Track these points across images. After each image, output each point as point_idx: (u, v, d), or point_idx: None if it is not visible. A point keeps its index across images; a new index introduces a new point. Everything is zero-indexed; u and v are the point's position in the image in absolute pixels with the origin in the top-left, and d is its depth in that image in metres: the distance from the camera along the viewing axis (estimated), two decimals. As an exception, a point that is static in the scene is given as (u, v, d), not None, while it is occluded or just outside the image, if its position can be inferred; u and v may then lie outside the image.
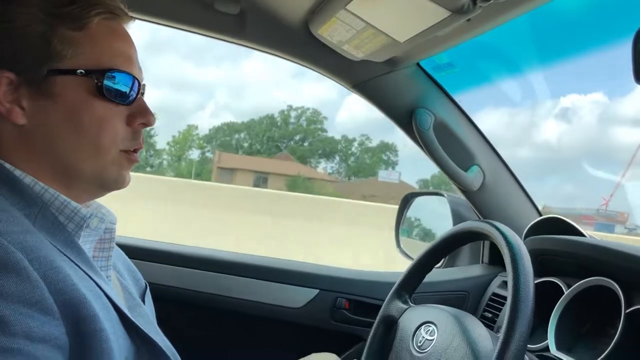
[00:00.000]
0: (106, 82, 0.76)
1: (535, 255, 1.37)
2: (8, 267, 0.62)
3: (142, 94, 0.83)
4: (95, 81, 0.76)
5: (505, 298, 1.48)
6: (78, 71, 0.75)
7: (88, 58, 0.76)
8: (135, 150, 0.82)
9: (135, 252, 1.30)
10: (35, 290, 0.63)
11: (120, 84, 0.78)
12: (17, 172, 0.75)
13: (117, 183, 0.82)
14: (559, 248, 1.34)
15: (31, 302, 0.62)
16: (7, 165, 0.75)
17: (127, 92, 0.79)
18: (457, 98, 1.56)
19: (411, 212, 1.96)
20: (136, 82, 0.80)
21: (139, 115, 0.81)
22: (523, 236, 1.49)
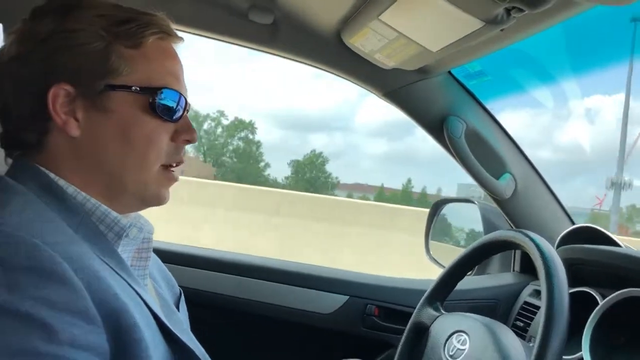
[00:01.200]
0: (158, 100, 0.79)
1: (569, 264, 1.34)
2: (54, 277, 0.64)
3: (187, 111, 0.86)
4: (148, 98, 0.79)
5: (537, 307, 1.47)
6: (133, 88, 0.78)
7: (141, 75, 0.79)
8: (177, 164, 0.85)
9: (169, 257, 1.32)
10: (79, 299, 0.65)
11: (169, 102, 0.81)
12: (61, 182, 0.78)
13: (158, 199, 0.84)
14: (593, 258, 1.32)
15: (76, 311, 0.64)
16: (52, 175, 0.78)
17: (175, 109, 0.82)
18: (489, 105, 1.55)
19: (441, 219, 1.95)
20: (183, 99, 0.83)
21: (184, 132, 0.84)
22: (555, 245, 1.48)
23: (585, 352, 1.17)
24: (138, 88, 0.78)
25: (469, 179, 1.57)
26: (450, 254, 1.82)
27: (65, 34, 0.77)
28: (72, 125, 0.77)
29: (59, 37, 0.77)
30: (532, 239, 1.00)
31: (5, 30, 1.33)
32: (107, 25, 0.78)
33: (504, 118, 1.54)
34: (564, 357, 1.20)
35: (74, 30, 0.77)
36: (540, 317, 0.90)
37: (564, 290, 0.90)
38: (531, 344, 1.02)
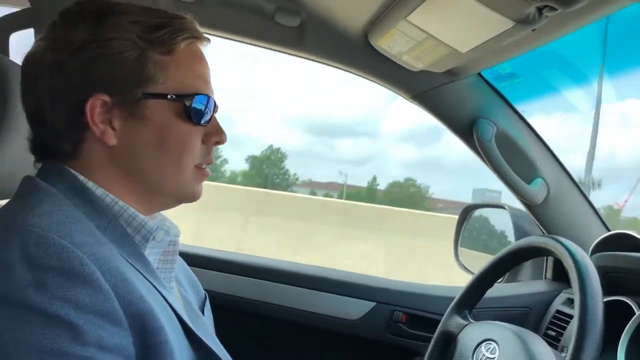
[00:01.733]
0: (192, 106, 0.80)
1: (603, 272, 1.31)
2: (82, 278, 0.65)
3: (216, 112, 0.86)
4: (182, 104, 0.79)
5: (570, 316, 1.43)
6: (169, 96, 0.79)
7: (175, 81, 0.79)
8: (207, 164, 0.86)
9: (194, 260, 1.33)
10: (106, 301, 0.66)
11: (200, 106, 0.81)
12: (90, 184, 0.78)
13: (193, 196, 0.85)
14: (628, 266, 1.28)
15: (103, 313, 0.65)
16: (82, 178, 0.78)
17: (206, 113, 0.82)
18: (520, 108, 1.52)
19: (471, 225, 1.91)
20: (212, 102, 0.83)
21: (214, 134, 0.85)
22: (590, 252, 1.43)
23: (621, 363, 1.13)
24: (174, 96, 0.79)
25: (483, 184, 1.53)
26: (479, 260, 1.80)
27: (101, 42, 0.77)
28: (109, 135, 0.77)
29: (95, 46, 0.76)
30: (564, 246, 0.97)
31: (36, 34, 1.36)
32: (141, 32, 0.78)
33: (534, 122, 1.51)
34: (598, 368, 1.17)
35: (110, 39, 0.77)
36: (573, 327, 0.87)
37: (598, 299, 0.87)
38: (564, 354, 0.99)
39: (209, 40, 0.86)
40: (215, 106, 0.85)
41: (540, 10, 0.91)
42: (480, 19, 0.98)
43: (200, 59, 0.84)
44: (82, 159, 0.79)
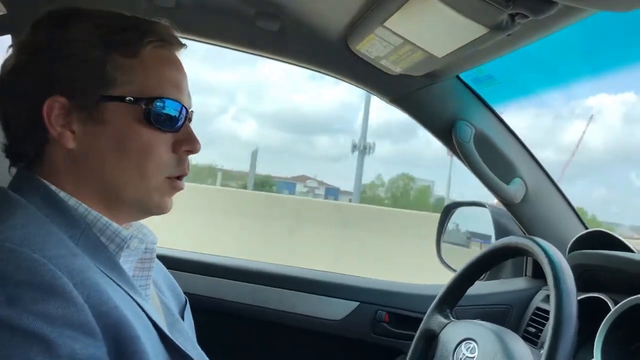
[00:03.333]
0: (154, 110, 0.78)
1: (580, 270, 1.34)
2: (54, 291, 0.64)
3: (190, 120, 0.85)
4: (144, 108, 0.78)
5: (549, 312, 1.45)
6: (127, 98, 0.77)
7: (138, 85, 0.78)
8: (179, 177, 0.84)
9: (173, 263, 1.33)
10: (80, 313, 0.65)
11: (167, 112, 0.79)
12: (62, 194, 0.77)
13: (159, 209, 0.83)
14: (604, 264, 1.31)
15: (76, 325, 0.64)
16: (53, 188, 0.77)
17: (174, 119, 0.80)
18: (497, 109, 1.54)
19: (452, 223, 1.94)
20: (184, 109, 0.82)
21: (185, 143, 0.82)
22: (567, 250, 1.46)
23: (598, 358, 1.16)
24: (132, 98, 0.77)
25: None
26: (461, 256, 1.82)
27: (61, 44, 0.77)
28: (67, 138, 0.77)
29: (54, 48, 0.77)
30: (540, 246, 0.99)
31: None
32: (104, 35, 0.77)
33: (507, 119, 1.53)
34: (576, 364, 1.19)
35: (70, 41, 0.77)
36: (549, 324, 0.89)
37: (572, 298, 0.90)
38: (541, 352, 1.01)
39: (184, 45, 0.85)
40: (188, 113, 0.83)
41: (512, 17, 0.93)
42: (455, 26, 1.00)
43: (171, 63, 0.82)
44: (46, 163, 0.79)
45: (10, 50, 0.81)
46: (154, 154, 0.80)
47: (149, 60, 0.79)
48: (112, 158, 0.78)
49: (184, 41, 0.87)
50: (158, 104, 0.79)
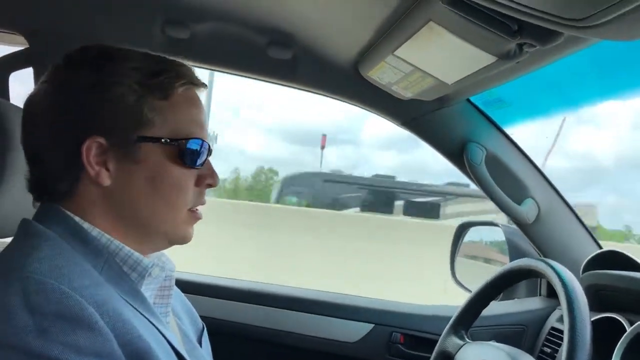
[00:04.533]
0: (185, 149, 0.82)
1: (595, 290, 1.34)
2: (82, 322, 0.67)
3: (210, 155, 0.88)
4: (176, 148, 0.81)
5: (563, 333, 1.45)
6: (163, 140, 0.81)
7: (170, 126, 0.82)
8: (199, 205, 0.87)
9: (190, 287, 1.34)
10: (106, 343, 0.68)
11: (194, 149, 0.83)
12: (86, 225, 0.80)
13: (184, 239, 0.87)
14: (618, 284, 1.31)
15: (103, 355, 0.67)
16: (77, 219, 0.80)
17: (199, 156, 0.84)
18: (509, 131, 1.55)
19: (466, 242, 1.94)
20: (206, 145, 0.85)
21: (207, 177, 0.86)
22: (581, 270, 1.46)
23: (614, 380, 1.16)
24: (168, 140, 0.81)
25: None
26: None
27: (102, 87, 0.79)
28: (103, 176, 0.80)
29: (95, 89, 0.79)
30: (553, 268, 1.00)
31: (36, 74, 1.39)
32: (141, 78, 0.80)
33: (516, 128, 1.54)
34: (592, 385, 1.19)
35: (110, 84, 0.79)
36: (563, 348, 0.90)
37: (585, 323, 0.90)
38: (557, 374, 1.01)
39: (205, 85, 0.89)
40: (210, 150, 0.87)
41: (520, 46, 0.94)
42: (464, 55, 1.01)
43: (196, 103, 0.86)
44: (77, 199, 0.81)
45: (39, 84, 0.83)
46: (183, 189, 0.83)
47: (179, 101, 0.83)
48: (145, 194, 0.81)
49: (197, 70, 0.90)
50: (189, 143, 0.82)
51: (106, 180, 0.80)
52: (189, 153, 0.82)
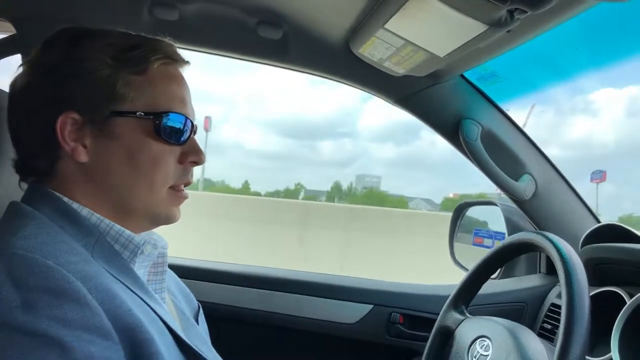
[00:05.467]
0: (162, 123, 0.81)
1: (594, 264, 1.33)
2: (69, 295, 0.66)
3: (195, 132, 0.87)
4: (153, 122, 0.81)
5: (563, 309, 1.44)
6: (137, 113, 0.80)
7: (147, 100, 0.81)
8: (185, 185, 0.86)
9: (187, 272, 1.34)
10: (95, 316, 0.67)
11: (175, 125, 0.82)
12: (75, 205, 0.80)
13: (167, 219, 0.86)
14: (617, 256, 1.30)
15: (92, 328, 0.66)
16: (66, 199, 0.80)
17: (181, 132, 0.83)
18: (504, 106, 1.54)
19: (464, 222, 1.93)
20: (189, 122, 0.84)
21: (191, 154, 0.86)
22: (580, 244, 1.45)
23: (615, 352, 1.15)
24: (142, 113, 0.80)
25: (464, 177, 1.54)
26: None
27: (73, 62, 0.79)
28: (80, 152, 0.79)
29: (67, 65, 0.79)
30: (551, 241, 0.98)
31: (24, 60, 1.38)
32: (114, 53, 0.80)
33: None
34: (593, 358, 1.18)
35: (82, 59, 0.79)
36: (561, 322, 0.88)
37: (584, 293, 0.88)
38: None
39: (187, 62, 0.88)
40: (194, 126, 0.86)
41: (511, 12, 0.92)
42: (454, 24, 1.00)
43: (176, 79, 0.85)
44: (59, 177, 0.81)
45: (21, 69, 0.83)
46: (162, 166, 0.82)
47: (156, 76, 0.82)
48: (123, 170, 0.81)
49: (186, 53, 0.89)
50: (166, 118, 0.81)
51: (83, 156, 0.80)
52: (168, 128, 0.82)
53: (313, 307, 1.62)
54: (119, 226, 0.81)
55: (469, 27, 0.99)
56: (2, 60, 1.42)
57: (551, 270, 1.66)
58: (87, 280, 0.69)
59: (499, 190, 1.57)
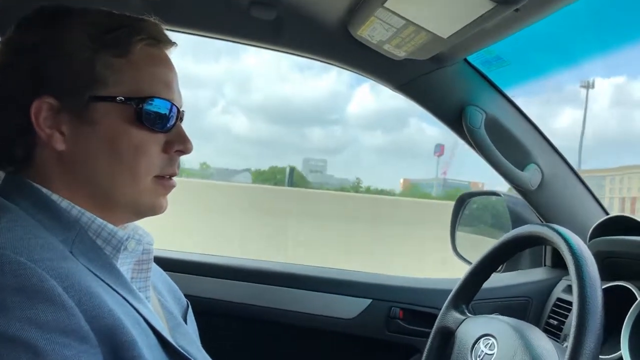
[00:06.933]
0: (145, 110, 0.76)
1: (603, 257, 1.28)
2: (42, 295, 0.62)
3: (181, 119, 0.83)
4: (134, 108, 0.76)
5: (571, 304, 1.39)
6: (118, 98, 0.75)
7: (129, 85, 0.76)
8: (170, 176, 0.82)
9: (173, 265, 1.29)
10: (71, 318, 0.63)
11: (159, 111, 0.78)
12: (54, 197, 0.75)
13: (153, 210, 0.82)
14: (628, 250, 1.25)
15: (67, 331, 0.62)
16: (44, 190, 0.75)
17: (165, 119, 0.79)
18: (509, 93, 1.48)
19: (467, 213, 1.88)
20: (174, 108, 0.80)
21: (176, 143, 0.81)
22: (588, 237, 1.40)
23: (625, 350, 1.11)
24: (123, 98, 0.75)
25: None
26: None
27: (51, 44, 0.75)
28: (57, 139, 0.75)
29: (44, 47, 0.75)
30: (559, 233, 0.93)
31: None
32: (94, 34, 0.76)
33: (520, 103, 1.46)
34: (601, 357, 1.13)
35: (59, 40, 0.75)
36: (572, 317, 0.83)
37: (596, 288, 0.84)
38: (565, 345, 0.95)
39: (174, 43, 0.83)
40: (180, 112, 0.81)
41: (520, -12, 0.87)
42: (459, 2, 0.95)
43: (161, 62, 0.81)
44: (36, 166, 0.77)
45: None
46: (144, 155, 0.78)
47: (139, 59, 0.78)
48: (103, 159, 0.76)
49: (175, 35, 0.84)
50: (149, 103, 0.77)
51: (60, 144, 0.75)
52: (151, 115, 0.77)
53: (308, 302, 1.57)
54: (100, 219, 0.76)
55: (475, 5, 0.94)
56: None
57: (557, 263, 1.62)
58: (63, 278, 0.65)
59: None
